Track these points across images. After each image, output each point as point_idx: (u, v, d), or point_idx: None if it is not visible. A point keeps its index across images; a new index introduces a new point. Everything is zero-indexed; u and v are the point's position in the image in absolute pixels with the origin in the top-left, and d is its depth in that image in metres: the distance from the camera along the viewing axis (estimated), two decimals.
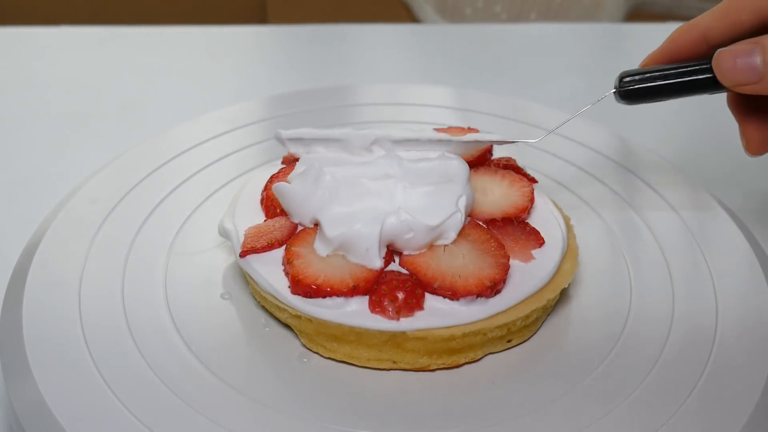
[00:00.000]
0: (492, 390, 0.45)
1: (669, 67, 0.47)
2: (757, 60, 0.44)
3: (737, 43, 0.45)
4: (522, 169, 0.53)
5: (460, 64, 0.83)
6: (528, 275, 0.47)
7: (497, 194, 0.50)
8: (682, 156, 0.67)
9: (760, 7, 0.45)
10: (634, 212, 0.56)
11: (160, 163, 0.58)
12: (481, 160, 0.53)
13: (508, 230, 0.48)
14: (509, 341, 0.47)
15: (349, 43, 0.87)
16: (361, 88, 0.69)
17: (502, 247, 0.47)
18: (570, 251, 0.49)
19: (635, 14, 1.21)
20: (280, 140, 0.51)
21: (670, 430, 0.42)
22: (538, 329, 0.48)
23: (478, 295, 0.45)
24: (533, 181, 0.52)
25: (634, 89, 0.47)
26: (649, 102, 0.48)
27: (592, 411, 0.43)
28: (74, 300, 0.48)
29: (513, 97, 0.68)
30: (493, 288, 0.45)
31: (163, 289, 0.49)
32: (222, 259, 0.52)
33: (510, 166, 0.53)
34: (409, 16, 1.21)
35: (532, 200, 0.50)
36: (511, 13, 1.16)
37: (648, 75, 0.47)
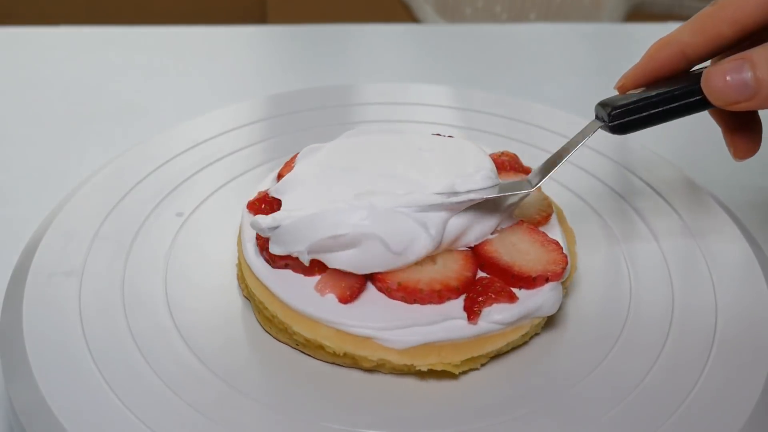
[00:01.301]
0: (490, 390, 0.45)
1: (657, 93, 0.46)
2: (748, 76, 0.42)
3: (724, 60, 0.43)
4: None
5: (460, 64, 0.83)
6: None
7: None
8: (681, 155, 0.67)
9: (740, 17, 0.44)
10: (633, 212, 0.56)
11: (160, 162, 0.58)
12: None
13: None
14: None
15: (349, 43, 0.87)
16: (361, 88, 0.69)
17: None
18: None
19: (635, 14, 1.21)
20: (261, 230, 0.47)
21: (670, 430, 0.42)
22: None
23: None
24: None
25: (626, 122, 0.46)
26: (639, 130, 0.47)
27: (591, 411, 0.43)
28: (74, 300, 0.48)
29: (513, 97, 0.68)
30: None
31: (163, 288, 0.49)
32: (222, 259, 0.52)
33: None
34: (409, 16, 1.21)
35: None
36: (511, 13, 1.16)
37: (638, 105, 0.46)
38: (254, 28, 0.93)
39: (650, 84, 0.47)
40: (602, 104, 0.47)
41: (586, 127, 0.48)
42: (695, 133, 0.69)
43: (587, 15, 1.16)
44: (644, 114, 0.46)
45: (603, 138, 0.62)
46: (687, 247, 0.53)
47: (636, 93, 0.47)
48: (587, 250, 0.53)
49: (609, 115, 0.46)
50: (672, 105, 0.46)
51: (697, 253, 0.52)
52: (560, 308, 0.49)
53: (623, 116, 0.46)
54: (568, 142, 0.49)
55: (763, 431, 0.42)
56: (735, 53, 0.44)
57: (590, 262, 0.52)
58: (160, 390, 0.43)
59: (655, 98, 0.46)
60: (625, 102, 0.46)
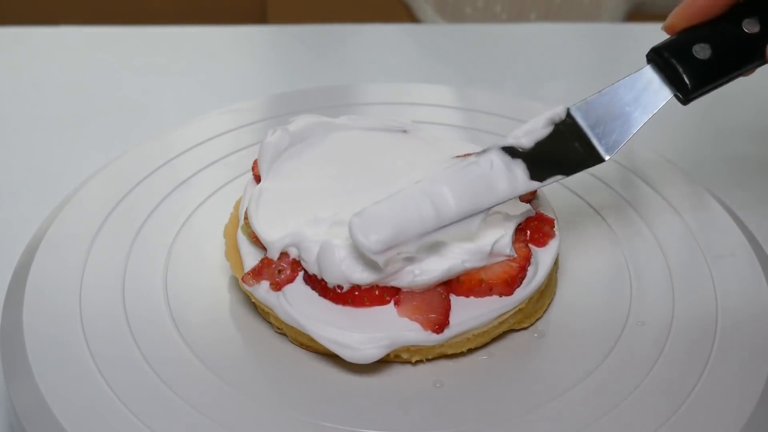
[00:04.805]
0: (490, 389, 0.45)
1: (725, 71, 0.46)
2: None
3: None
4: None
5: (460, 64, 0.83)
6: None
7: None
8: (681, 155, 0.67)
9: None
10: (633, 211, 0.56)
11: (161, 163, 0.58)
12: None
13: None
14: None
15: (349, 43, 0.87)
16: (361, 88, 0.69)
17: None
18: None
19: (635, 14, 1.21)
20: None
21: (670, 430, 0.42)
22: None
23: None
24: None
25: (700, 94, 0.47)
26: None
27: (590, 411, 0.43)
28: (75, 300, 0.48)
29: (513, 97, 0.68)
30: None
31: (163, 288, 0.49)
32: (223, 260, 0.52)
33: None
34: (409, 16, 1.21)
35: None
36: (511, 13, 1.16)
37: (713, 84, 0.46)
38: (254, 28, 0.93)
39: (698, 22, 0.47)
40: (676, 85, 0.46)
41: (655, 95, 0.47)
42: (695, 133, 0.69)
43: (587, 15, 1.15)
44: (715, 84, 0.47)
45: None
46: (687, 247, 0.53)
47: (708, 70, 0.46)
48: (587, 248, 0.53)
49: (688, 93, 0.46)
50: (737, 73, 0.47)
51: (697, 252, 0.52)
52: (560, 308, 0.49)
53: (701, 94, 0.46)
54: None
55: (763, 431, 0.42)
56: None
57: (590, 261, 0.52)
58: (161, 390, 0.43)
59: (724, 77, 0.46)
60: (700, 75, 0.46)
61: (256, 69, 0.83)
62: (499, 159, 0.46)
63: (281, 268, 0.46)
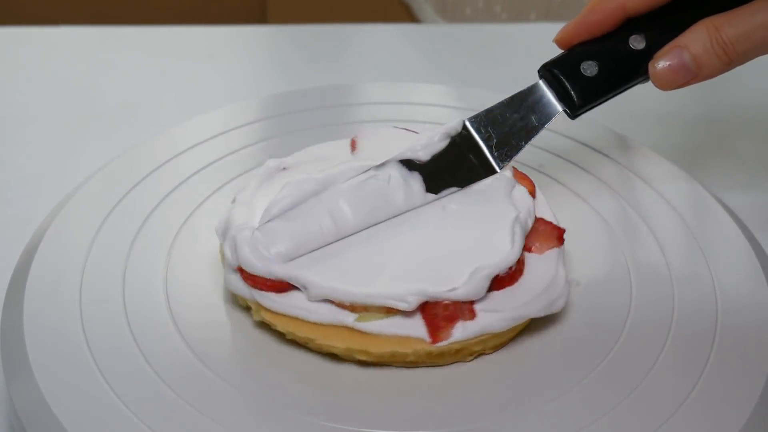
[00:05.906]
0: (488, 390, 0.45)
1: (611, 87, 0.48)
2: (687, 57, 0.46)
3: (661, 53, 0.46)
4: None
5: (460, 64, 0.83)
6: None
7: None
8: (681, 155, 0.67)
9: None
10: (633, 211, 0.56)
11: (160, 162, 0.58)
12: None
13: None
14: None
15: (349, 43, 0.87)
16: (361, 88, 0.69)
17: None
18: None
19: None
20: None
21: (670, 430, 0.42)
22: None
23: None
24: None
25: (587, 109, 0.49)
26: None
27: (590, 411, 0.43)
28: (75, 299, 0.48)
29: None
30: None
31: (164, 288, 0.49)
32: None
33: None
34: (409, 16, 1.21)
35: None
36: (511, 13, 1.16)
37: (599, 100, 0.48)
38: (254, 28, 0.93)
39: (587, 38, 0.49)
40: (565, 101, 0.48)
41: (546, 110, 0.49)
42: (695, 133, 0.69)
43: None
44: (602, 101, 0.49)
45: (603, 137, 0.62)
46: (688, 247, 0.53)
47: (595, 87, 0.48)
48: (587, 248, 0.53)
49: (576, 107, 0.48)
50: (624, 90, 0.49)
51: (698, 252, 0.52)
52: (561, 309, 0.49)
53: (587, 109, 0.49)
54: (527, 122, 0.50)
55: (763, 431, 0.42)
56: (670, 16, 0.47)
57: (591, 261, 0.52)
58: (162, 391, 0.43)
59: (610, 94, 0.49)
60: (586, 94, 0.48)
61: (256, 69, 0.83)
62: (397, 172, 0.48)
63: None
